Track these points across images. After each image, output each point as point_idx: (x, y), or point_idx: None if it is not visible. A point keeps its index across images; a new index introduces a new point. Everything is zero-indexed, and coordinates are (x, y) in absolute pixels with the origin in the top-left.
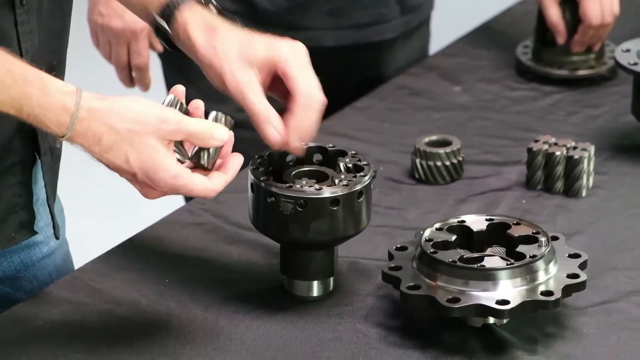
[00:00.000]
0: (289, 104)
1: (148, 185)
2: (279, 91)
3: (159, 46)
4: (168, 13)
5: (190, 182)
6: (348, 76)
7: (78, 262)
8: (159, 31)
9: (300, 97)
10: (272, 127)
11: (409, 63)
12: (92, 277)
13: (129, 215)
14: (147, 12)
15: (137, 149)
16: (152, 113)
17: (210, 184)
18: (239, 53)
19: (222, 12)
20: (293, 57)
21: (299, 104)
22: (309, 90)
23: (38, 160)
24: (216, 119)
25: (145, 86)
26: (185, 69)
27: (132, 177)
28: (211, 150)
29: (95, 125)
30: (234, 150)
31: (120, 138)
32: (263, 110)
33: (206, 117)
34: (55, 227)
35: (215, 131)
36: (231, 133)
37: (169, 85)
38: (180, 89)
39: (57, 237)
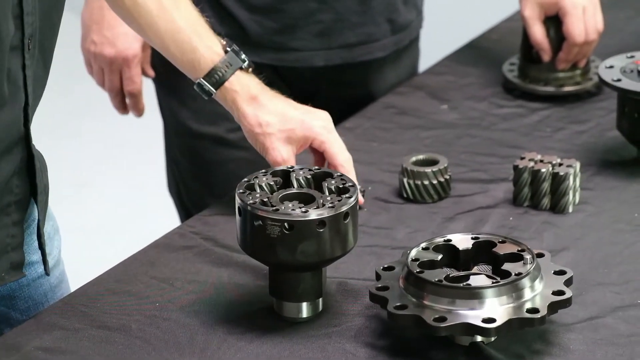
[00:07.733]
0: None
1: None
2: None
3: (151, 72)
4: (218, 81)
5: None
6: (339, 95)
7: (73, 282)
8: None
9: (341, 167)
10: None
11: (399, 81)
12: (82, 302)
13: (120, 238)
14: (194, 72)
15: None
16: None
17: None
18: (280, 130)
19: (258, 72)
20: (325, 132)
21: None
22: (346, 159)
23: (32, 200)
24: None
25: (139, 112)
26: (178, 92)
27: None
28: None
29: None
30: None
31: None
32: None
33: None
34: (45, 263)
35: None
36: None
37: (163, 109)
38: None
39: (47, 274)
